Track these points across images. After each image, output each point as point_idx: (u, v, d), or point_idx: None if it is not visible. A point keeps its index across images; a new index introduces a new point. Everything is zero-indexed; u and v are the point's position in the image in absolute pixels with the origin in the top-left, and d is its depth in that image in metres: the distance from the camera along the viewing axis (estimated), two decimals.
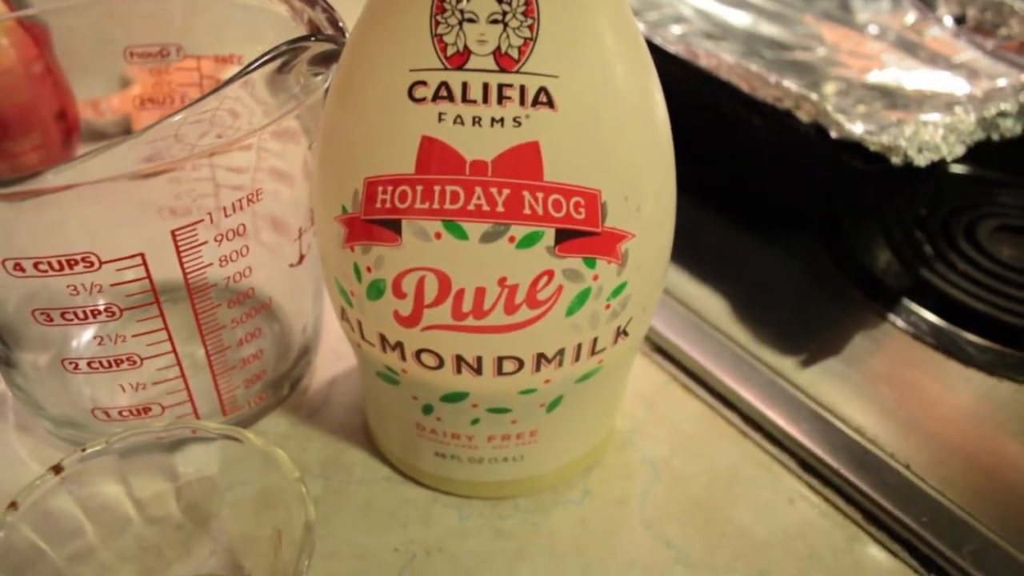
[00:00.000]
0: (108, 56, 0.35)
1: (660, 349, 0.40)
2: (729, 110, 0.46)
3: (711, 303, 0.42)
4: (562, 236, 0.25)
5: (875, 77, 0.54)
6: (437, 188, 0.24)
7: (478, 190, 0.24)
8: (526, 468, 0.32)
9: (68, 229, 0.27)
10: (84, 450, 0.27)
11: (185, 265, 0.27)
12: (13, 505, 0.26)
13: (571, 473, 0.33)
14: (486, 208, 0.24)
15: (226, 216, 0.28)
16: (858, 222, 0.47)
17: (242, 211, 0.28)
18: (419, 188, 0.24)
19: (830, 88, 0.52)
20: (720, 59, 0.47)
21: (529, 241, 0.25)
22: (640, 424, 0.36)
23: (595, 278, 0.26)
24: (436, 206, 0.24)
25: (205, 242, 0.28)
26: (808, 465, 0.35)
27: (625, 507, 0.33)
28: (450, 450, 0.31)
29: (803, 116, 0.43)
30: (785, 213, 0.49)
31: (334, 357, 0.39)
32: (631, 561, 0.31)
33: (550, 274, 0.25)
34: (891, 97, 0.52)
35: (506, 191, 0.24)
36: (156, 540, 0.30)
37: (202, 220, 0.27)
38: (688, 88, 0.47)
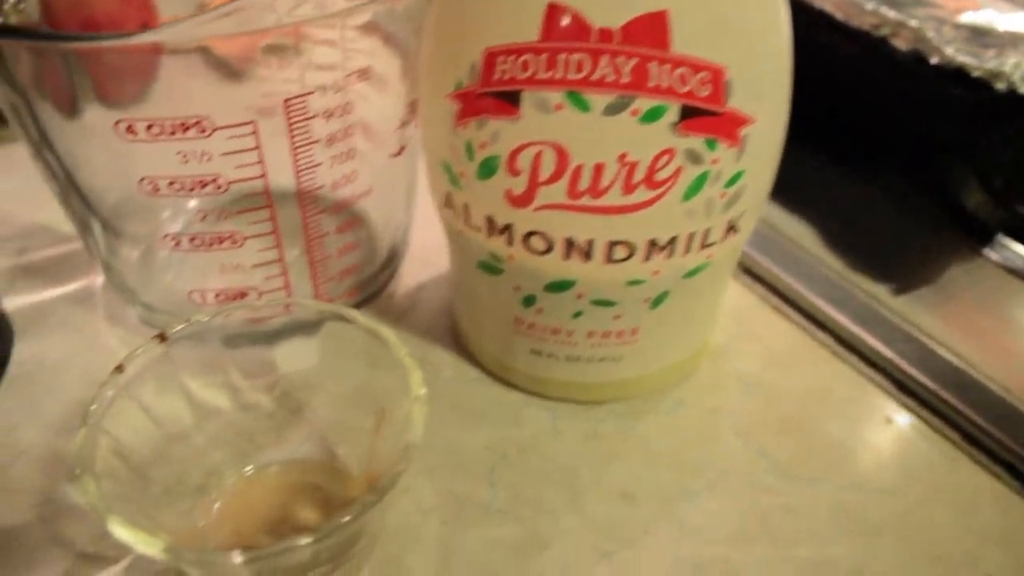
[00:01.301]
0: None
1: (750, 271, 0.39)
2: (823, 39, 0.45)
3: (801, 231, 0.41)
4: (686, 113, 0.24)
5: (968, 18, 0.52)
6: (561, 57, 0.24)
7: (604, 59, 0.23)
8: (623, 370, 0.31)
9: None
10: (189, 320, 0.27)
11: (295, 135, 0.27)
12: (119, 368, 0.26)
13: (665, 381, 0.33)
14: (611, 78, 0.23)
15: (325, 103, 0.27)
16: (952, 156, 0.45)
17: (341, 92, 0.27)
18: (542, 57, 0.24)
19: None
20: None
21: (653, 116, 0.24)
22: (732, 341, 0.36)
23: (714, 162, 0.25)
24: (559, 76, 0.24)
25: (313, 119, 0.27)
26: (904, 386, 0.34)
27: (718, 417, 0.32)
28: (547, 347, 0.30)
29: (900, 44, 0.42)
30: (878, 146, 0.47)
31: (420, 265, 0.39)
32: (724, 468, 0.30)
33: (670, 153, 0.24)
34: (984, 37, 0.50)
35: (633, 61, 0.23)
36: (248, 427, 0.30)
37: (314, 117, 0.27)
38: None
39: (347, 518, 0.21)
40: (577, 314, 0.29)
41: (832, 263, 0.39)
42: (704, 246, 0.27)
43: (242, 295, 0.31)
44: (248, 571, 0.23)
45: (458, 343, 0.35)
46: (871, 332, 0.35)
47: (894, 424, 0.32)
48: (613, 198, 0.25)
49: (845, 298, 0.37)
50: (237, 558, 0.21)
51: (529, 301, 0.29)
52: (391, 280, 0.36)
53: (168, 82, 0.26)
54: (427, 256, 0.39)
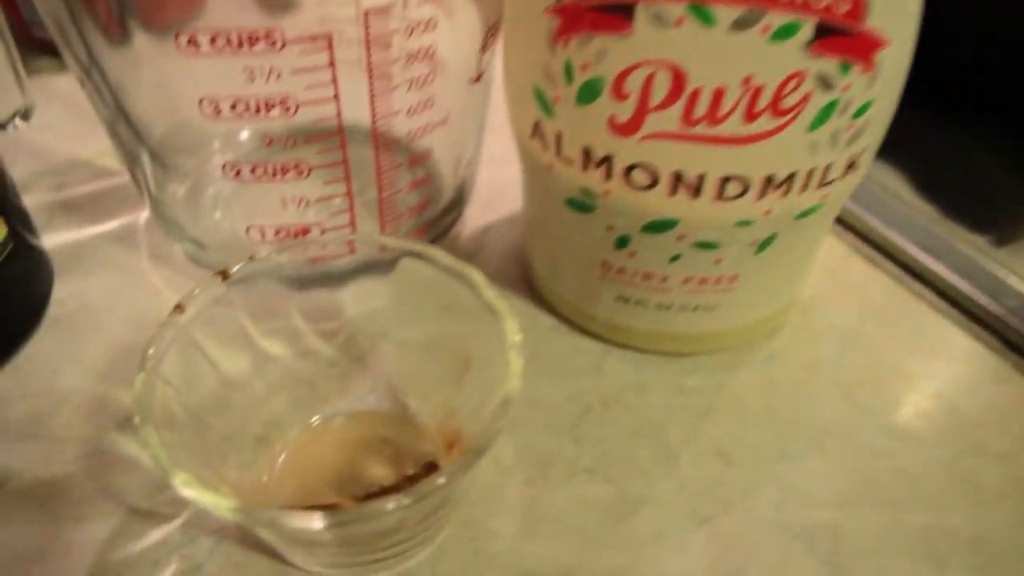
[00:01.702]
0: None
1: (840, 220, 0.36)
2: None
3: (894, 179, 0.38)
4: (820, 31, 0.21)
5: None
6: None
7: None
8: (714, 321, 0.29)
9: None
10: (250, 257, 0.25)
11: (373, 53, 0.24)
12: (179, 308, 0.23)
13: (756, 333, 0.30)
14: None
15: (407, 17, 0.24)
16: None
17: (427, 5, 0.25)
18: None
19: None
20: None
21: (785, 33, 0.21)
22: (824, 292, 0.33)
23: (845, 89, 0.22)
24: None
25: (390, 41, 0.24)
26: (1014, 345, 0.31)
27: (816, 372, 0.30)
28: (637, 293, 0.28)
29: None
30: (980, 91, 0.44)
31: (485, 206, 0.36)
32: (825, 427, 0.28)
33: (800, 76, 0.22)
34: None
35: None
36: (311, 375, 0.27)
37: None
38: None
39: (443, 479, 0.19)
40: (675, 258, 0.26)
41: (927, 212, 0.37)
42: (822, 184, 0.24)
43: (304, 232, 0.28)
44: (325, 535, 0.21)
45: (531, 289, 0.32)
46: (975, 285, 0.33)
47: (1007, 384, 0.30)
48: (732, 127, 0.22)
49: (943, 248, 0.34)
50: (317, 522, 0.19)
51: (622, 243, 0.26)
52: (456, 221, 0.34)
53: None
54: (492, 198, 0.36)
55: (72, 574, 0.23)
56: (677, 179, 0.24)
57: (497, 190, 0.36)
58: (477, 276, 0.24)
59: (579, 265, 0.29)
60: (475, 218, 0.36)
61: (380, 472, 0.26)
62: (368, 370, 0.28)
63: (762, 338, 0.31)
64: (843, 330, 0.31)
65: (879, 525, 0.25)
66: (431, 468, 0.26)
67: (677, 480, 0.26)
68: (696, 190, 0.24)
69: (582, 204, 0.26)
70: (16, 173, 0.33)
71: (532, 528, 0.25)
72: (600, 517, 0.25)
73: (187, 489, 0.19)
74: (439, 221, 0.32)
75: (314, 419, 0.27)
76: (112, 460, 0.26)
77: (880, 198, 0.37)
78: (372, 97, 0.25)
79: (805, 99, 0.22)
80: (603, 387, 0.29)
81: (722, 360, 0.30)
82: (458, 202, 0.33)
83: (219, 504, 0.19)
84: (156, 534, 0.24)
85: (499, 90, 0.28)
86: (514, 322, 0.22)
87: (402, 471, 0.26)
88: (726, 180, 0.24)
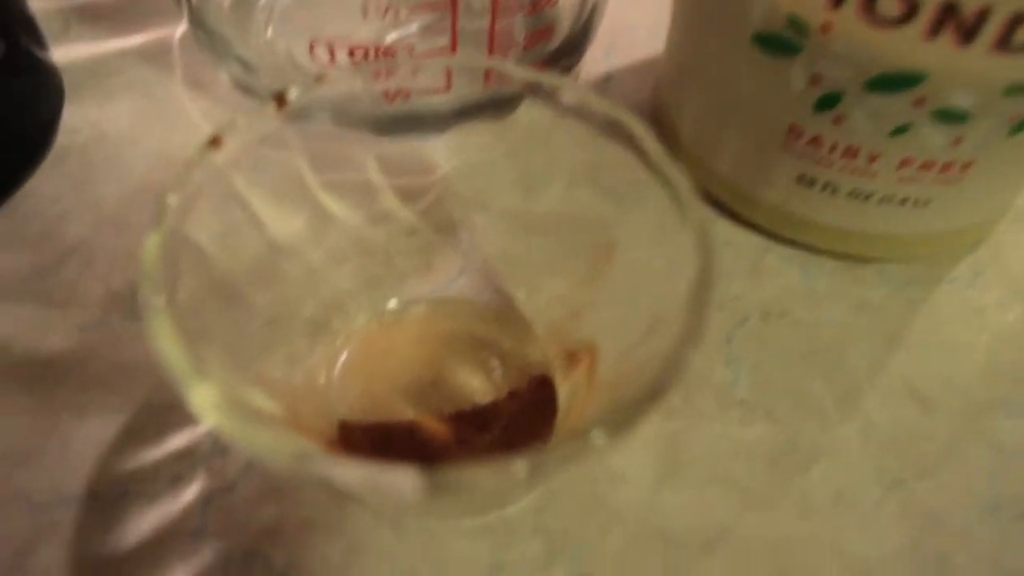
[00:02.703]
0: None
1: None
2: None
3: None
4: None
5: None
6: None
7: None
8: (920, 220, 0.21)
9: None
10: (319, 78, 0.18)
11: None
12: (215, 142, 0.16)
13: (961, 243, 0.23)
14: None
15: None
16: None
17: None
18: None
19: None
20: None
21: None
22: None
23: None
24: None
25: None
26: None
27: None
28: (828, 175, 0.21)
29: None
30: None
31: (606, 52, 0.28)
32: None
33: None
34: None
35: None
36: (382, 246, 0.21)
37: None
38: None
39: (602, 438, 0.12)
40: (900, 130, 0.19)
41: None
42: None
43: (388, 53, 0.21)
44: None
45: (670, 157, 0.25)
46: None
47: None
48: None
49: None
50: (405, 479, 0.12)
51: (828, 102, 0.19)
52: (575, 65, 0.26)
53: None
54: (616, 41, 0.29)
55: (65, 484, 0.18)
56: (946, 12, 0.16)
57: (623, 31, 0.28)
58: (640, 129, 0.16)
59: (753, 131, 0.21)
60: (593, 65, 0.28)
61: (472, 382, 0.20)
62: (460, 245, 0.21)
63: (964, 250, 0.24)
64: None
65: None
66: (541, 384, 0.19)
67: (860, 426, 0.20)
68: (970, 32, 0.16)
69: (781, 42, 0.19)
70: None
71: (671, 474, 0.19)
72: (761, 466, 0.19)
73: (214, 415, 0.13)
74: (556, 59, 0.25)
75: (388, 305, 0.21)
76: (124, 337, 0.20)
77: None
78: None
79: None
80: (763, 293, 0.22)
81: (913, 273, 0.23)
82: (579, 41, 0.25)
83: (275, 451, 0.12)
84: (177, 439, 0.19)
85: None
86: (695, 197, 0.15)
87: (501, 383, 0.20)
88: (1019, 20, 0.16)
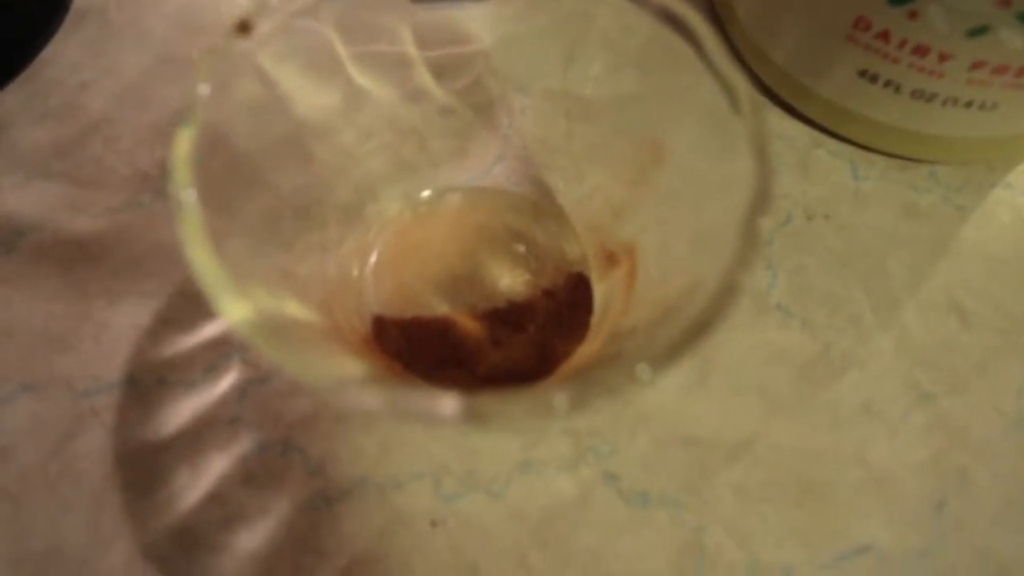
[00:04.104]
0: None
1: None
2: None
3: None
4: None
5: None
6: None
7: None
8: (984, 124, 0.20)
9: None
10: None
11: None
12: (243, 27, 0.15)
13: (1019, 148, 0.22)
14: None
15: None
16: None
17: None
18: None
19: None
20: None
21: None
22: None
23: None
24: None
25: None
26: None
27: None
28: (892, 72, 0.19)
29: None
30: None
31: None
32: None
33: None
34: None
35: None
36: (415, 126, 0.20)
37: None
38: None
39: (648, 373, 0.12)
40: (979, 30, 0.18)
41: None
42: None
43: None
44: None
45: (721, 34, 0.23)
46: None
47: None
48: None
49: None
50: (445, 406, 0.12)
51: None
52: None
53: None
54: None
55: (103, 371, 0.18)
56: None
57: None
58: (700, 23, 0.15)
59: (817, 17, 0.20)
60: None
61: (506, 277, 0.19)
62: (498, 129, 0.20)
63: (1020, 158, 0.22)
64: None
65: None
66: (578, 283, 0.19)
67: (896, 336, 0.20)
68: None
69: None
70: None
71: (700, 380, 0.19)
72: (792, 375, 0.19)
73: (248, 331, 0.12)
74: None
75: (422, 194, 0.20)
76: (155, 218, 0.20)
77: None
78: None
79: None
80: (808, 191, 0.21)
81: (966, 177, 0.22)
82: None
83: (292, 361, 0.12)
84: (211, 328, 0.19)
85: None
86: (751, 92, 0.14)
87: (537, 279, 0.19)
88: None
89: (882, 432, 0.19)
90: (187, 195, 0.13)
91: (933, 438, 0.19)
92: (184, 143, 0.14)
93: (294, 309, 0.16)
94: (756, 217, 0.13)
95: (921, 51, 0.18)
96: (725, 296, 0.13)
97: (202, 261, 0.12)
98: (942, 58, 0.18)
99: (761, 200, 0.13)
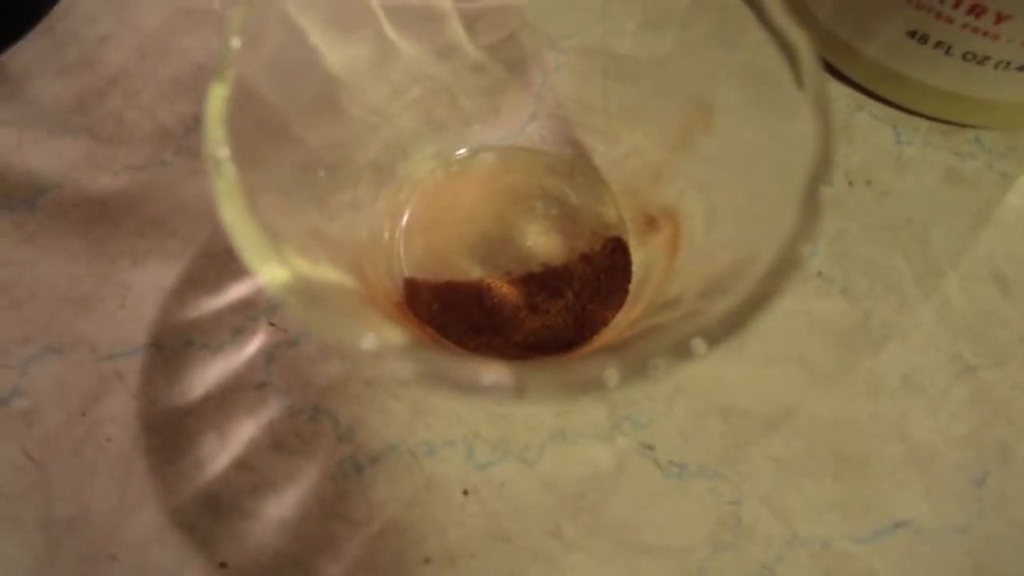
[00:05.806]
0: None
1: None
2: None
3: None
4: None
5: None
6: None
7: None
8: None
9: None
10: None
11: None
12: None
13: None
14: None
15: None
16: None
17: None
18: None
19: None
20: None
21: None
22: None
23: None
24: None
25: None
26: None
27: None
28: (944, 32, 0.19)
29: None
30: None
31: None
32: None
33: None
34: None
35: None
36: (448, 83, 0.19)
37: None
38: None
39: (704, 347, 0.12)
40: None
41: None
42: None
43: None
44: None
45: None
46: None
47: None
48: None
49: None
50: (491, 375, 0.12)
51: None
52: None
53: None
54: None
55: (128, 333, 0.17)
56: None
57: None
58: None
59: None
60: None
61: (542, 241, 0.19)
62: (531, 87, 0.20)
63: None
64: None
65: None
66: (616, 248, 0.18)
67: (938, 306, 0.19)
68: None
69: None
70: None
71: (738, 348, 0.18)
72: (833, 344, 0.19)
73: (285, 295, 0.12)
74: None
75: (456, 153, 0.20)
76: (178, 176, 0.19)
77: None
78: None
79: None
80: (849, 155, 0.21)
81: (1012, 143, 0.21)
82: None
83: (328, 328, 0.12)
84: (238, 289, 0.18)
85: None
86: (816, 58, 0.14)
87: (573, 242, 0.19)
88: None
89: (922, 405, 0.18)
90: (222, 153, 0.12)
91: (975, 412, 0.18)
92: (217, 100, 0.13)
93: (327, 271, 0.15)
94: (818, 185, 0.12)
95: (977, 10, 0.18)
96: (784, 270, 0.12)
97: (237, 222, 0.12)
98: (999, 18, 0.18)
99: (823, 166, 0.12)
